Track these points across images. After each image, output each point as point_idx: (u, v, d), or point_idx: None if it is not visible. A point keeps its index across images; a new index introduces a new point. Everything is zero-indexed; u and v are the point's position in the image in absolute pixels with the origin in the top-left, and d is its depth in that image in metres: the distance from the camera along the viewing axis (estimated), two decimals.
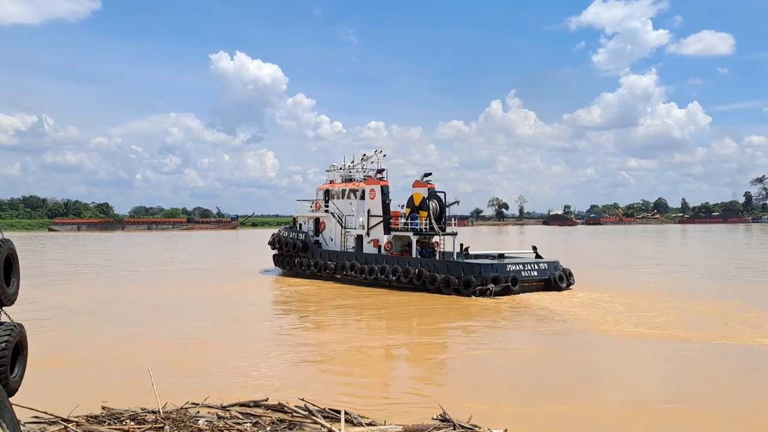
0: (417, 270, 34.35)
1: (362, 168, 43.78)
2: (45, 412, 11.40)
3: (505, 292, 32.09)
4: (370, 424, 11.51)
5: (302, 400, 12.63)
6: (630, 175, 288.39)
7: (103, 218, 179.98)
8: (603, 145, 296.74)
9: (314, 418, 11.57)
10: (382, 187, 40.12)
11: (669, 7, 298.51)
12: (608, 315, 26.20)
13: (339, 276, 39.41)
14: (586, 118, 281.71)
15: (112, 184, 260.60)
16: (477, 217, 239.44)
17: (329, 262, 40.12)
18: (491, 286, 31.62)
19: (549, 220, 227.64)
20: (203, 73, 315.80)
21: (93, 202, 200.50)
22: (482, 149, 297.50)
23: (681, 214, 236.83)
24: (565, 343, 21.46)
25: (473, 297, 31.27)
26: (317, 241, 43.59)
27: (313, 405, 12.31)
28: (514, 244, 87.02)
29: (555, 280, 33.75)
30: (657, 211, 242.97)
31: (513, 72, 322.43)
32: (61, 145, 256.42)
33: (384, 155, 43.54)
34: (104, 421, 11.40)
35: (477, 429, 11.28)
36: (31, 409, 11.27)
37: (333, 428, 10.97)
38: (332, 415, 11.83)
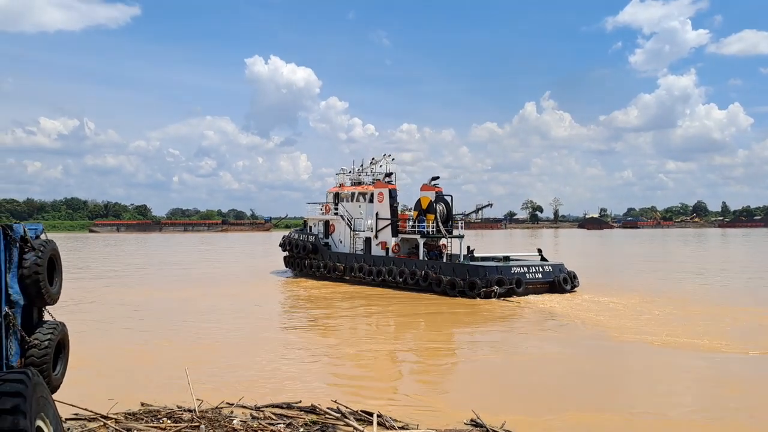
0: (423, 272, 34.61)
1: (371, 171, 44.14)
2: (85, 409, 11.68)
3: (510, 293, 32.14)
4: (402, 428, 11.45)
5: (335, 402, 12.67)
6: (668, 177, 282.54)
7: (141, 220, 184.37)
8: (640, 147, 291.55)
9: (347, 420, 11.58)
10: (390, 190, 40.42)
11: (708, 6, 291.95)
12: (625, 320, 25.37)
13: (348, 277, 39.73)
14: (622, 119, 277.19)
15: (150, 187, 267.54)
16: (510, 219, 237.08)
17: (338, 264, 40.52)
18: (495, 287, 31.74)
19: (584, 223, 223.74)
20: (239, 77, 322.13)
21: (132, 204, 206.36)
22: (516, 151, 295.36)
23: (721, 218, 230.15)
24: (582, 349, 20.67)
25: (478, 299, 31.43)
26: (327, 244, 43.95)
27: (346, 407, 12.32)
28: (562, 248, 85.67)
29: (559, 282, 33.74)
30: (696, 214, 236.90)
31: (548, 73, 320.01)
32: (102, 149, 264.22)
33: (392, 159, 43.95)
34: (142, 419, 11.62)
35: None
36: (72, 405, 11.55)
37: (365, 431, 10.97)
38: (364, 418, 11.82)
